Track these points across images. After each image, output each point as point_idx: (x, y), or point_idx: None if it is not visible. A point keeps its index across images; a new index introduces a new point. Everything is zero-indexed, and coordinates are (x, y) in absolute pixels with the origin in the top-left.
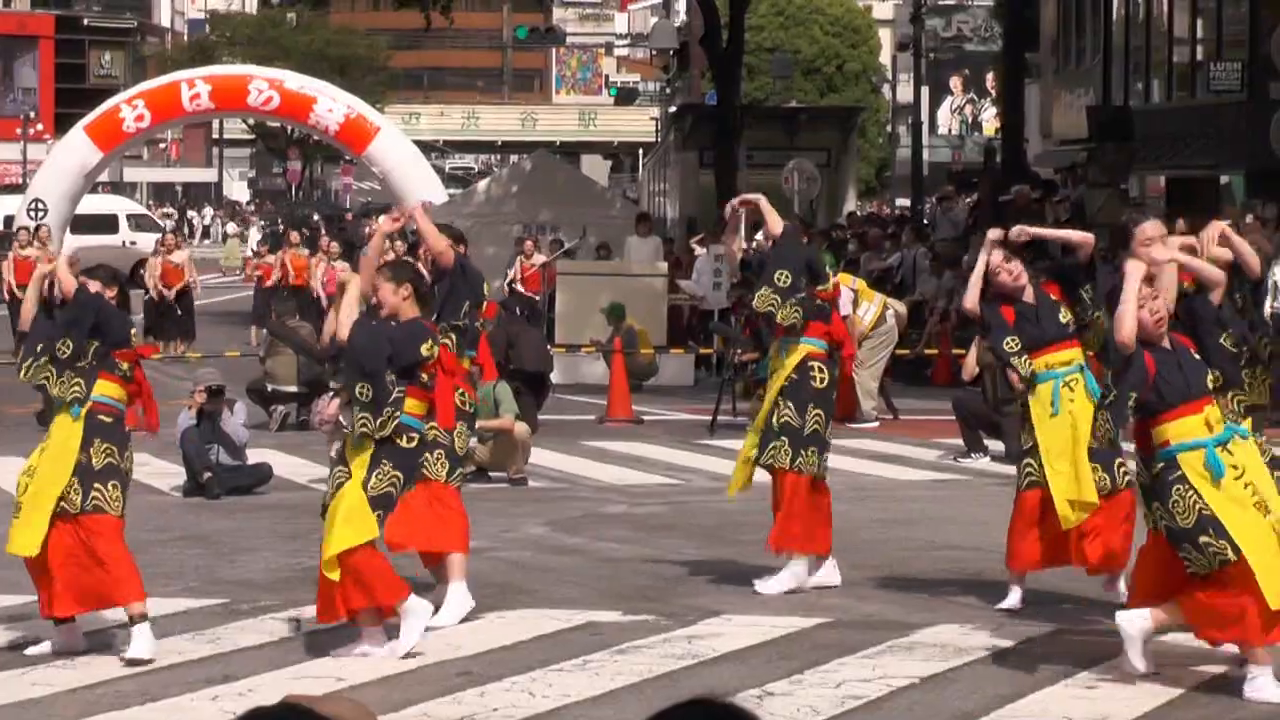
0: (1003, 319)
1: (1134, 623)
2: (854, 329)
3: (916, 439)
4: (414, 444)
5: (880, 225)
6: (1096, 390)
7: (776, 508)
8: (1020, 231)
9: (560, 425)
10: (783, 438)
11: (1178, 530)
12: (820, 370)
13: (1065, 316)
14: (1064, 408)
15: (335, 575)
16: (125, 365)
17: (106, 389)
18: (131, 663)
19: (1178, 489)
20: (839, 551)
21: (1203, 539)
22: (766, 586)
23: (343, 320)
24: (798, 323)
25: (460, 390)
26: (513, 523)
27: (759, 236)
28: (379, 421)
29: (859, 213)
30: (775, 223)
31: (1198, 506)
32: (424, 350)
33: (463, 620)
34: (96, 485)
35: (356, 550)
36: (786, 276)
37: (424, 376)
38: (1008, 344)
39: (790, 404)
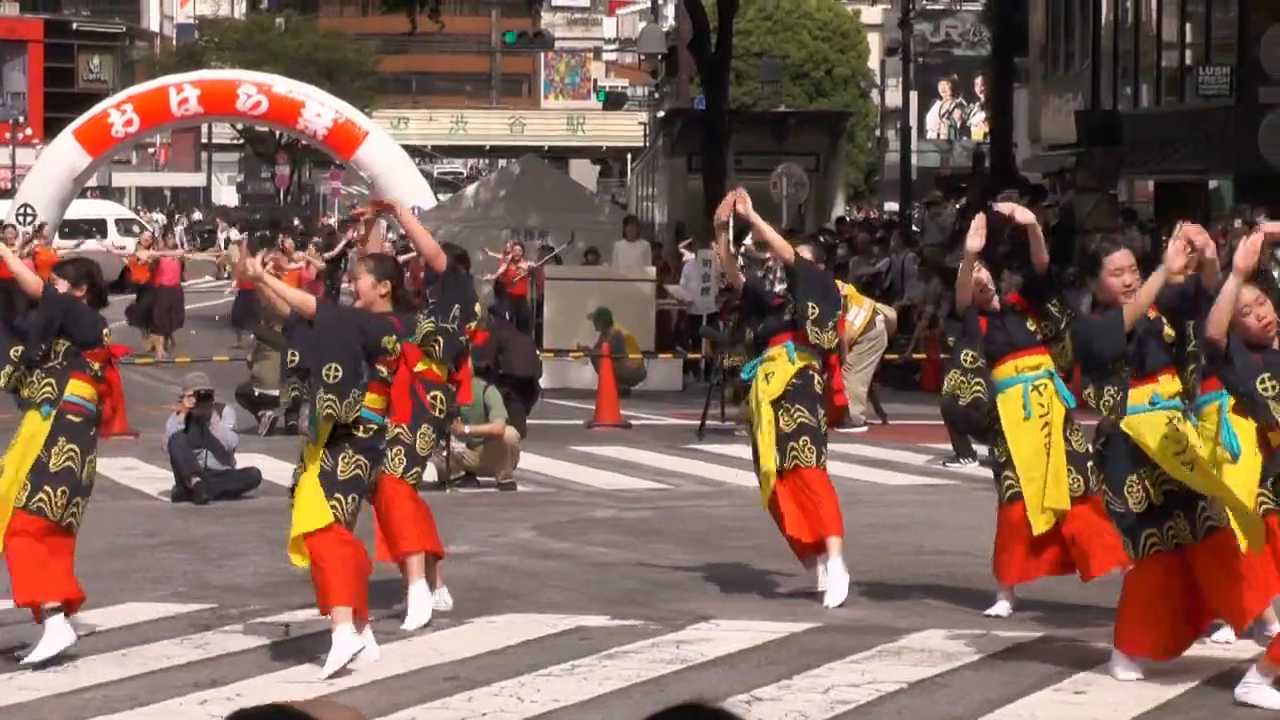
0: (977, 328)
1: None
2: (843, 334)
3: (905, 444)
4: (372, 434)
5: (869, 230)
6: (1069, 396)
7: (801, 507)
8: (1010, 209)
9: (548, 430)
10: (803, 437)
11: None
12: (818, 376)
13: (1031, 325)
14: (1034, 411)
15: (303, 562)
16: (97, 365)
17: (78, 389)
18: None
19: None
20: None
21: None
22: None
23: (298, 300)
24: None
25: (434, 394)
26: (501, 527)
27: (748, 241)
28: (345, 405)
29: (849, 217)
30: (782, 247)
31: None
32: (386, 343)
33: (437, 620)
34: (46, 487)
35: (315, 536)
36: (814, 309)
37: (383, 371)
38: (965, 357)
39: (801, 406)
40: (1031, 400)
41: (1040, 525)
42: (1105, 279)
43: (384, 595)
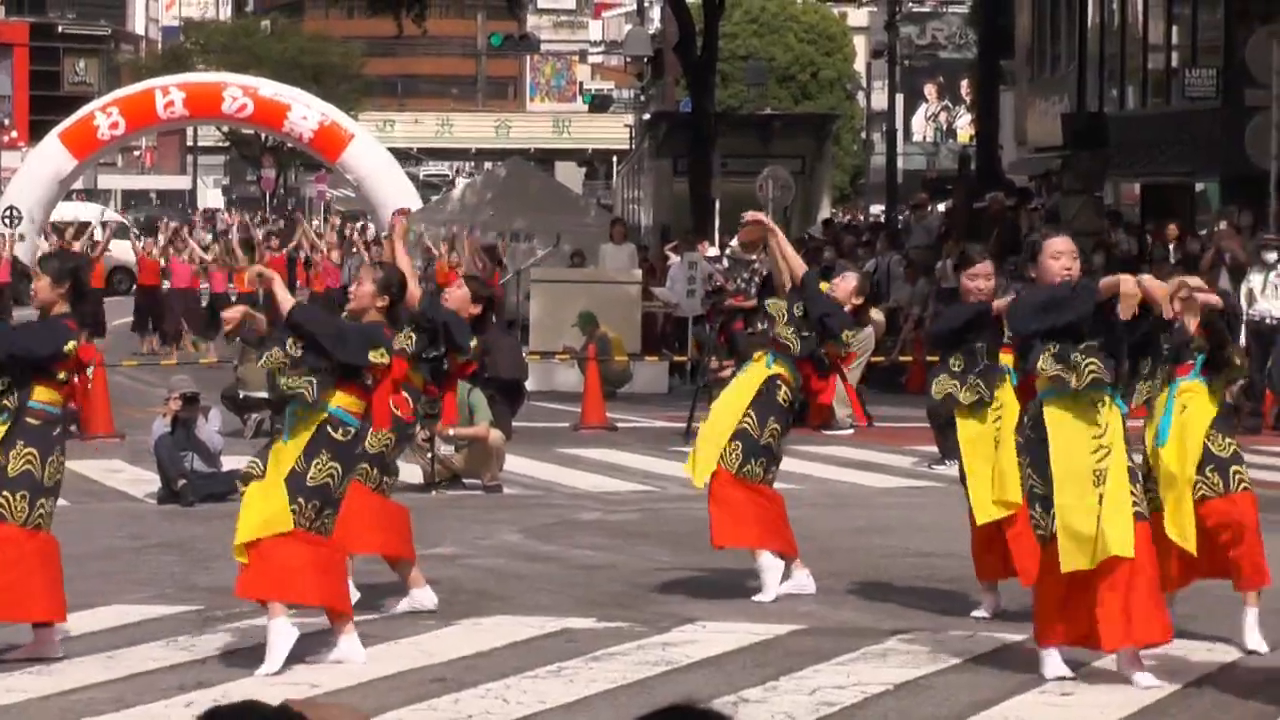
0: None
1: None
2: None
3: (891, 446)
4: (349, 438)
5: (855, 233)
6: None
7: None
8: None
9: (534, 432)
10: (736, 441)
11: None
12: (785, 389)
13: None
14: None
15: (243, 559)
16: (62, 374)
17: (40, 394)
18: None
19: None
20: (814, 558)
21: None
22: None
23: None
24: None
25: (406, 395)
26: (487, 530)
27: (733, 244)
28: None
29: (838, 219)
30: (796, 264)
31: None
32: (373, 355)
33: (424, 621)
34: (4, 492)
35: (265, 540)
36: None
37: (368, 379)
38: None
39: (751, 412)
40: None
41: (982, 517)
42: (1045, 261)
43: (368, 596)
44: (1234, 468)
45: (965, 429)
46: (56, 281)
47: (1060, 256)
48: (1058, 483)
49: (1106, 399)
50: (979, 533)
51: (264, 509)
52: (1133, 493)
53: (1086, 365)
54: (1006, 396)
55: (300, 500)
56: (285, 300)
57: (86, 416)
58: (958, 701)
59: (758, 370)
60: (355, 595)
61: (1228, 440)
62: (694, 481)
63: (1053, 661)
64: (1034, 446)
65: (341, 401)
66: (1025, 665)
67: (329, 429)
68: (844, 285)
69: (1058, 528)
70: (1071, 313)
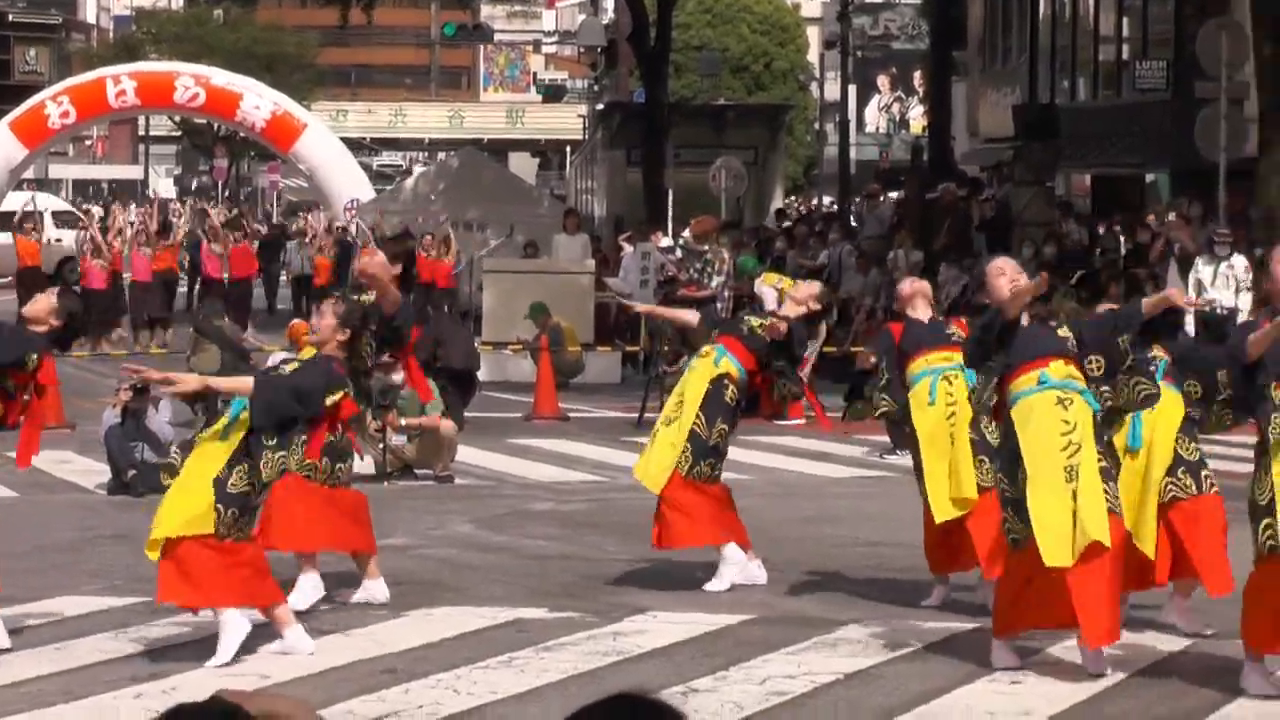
0: (890, 342)
1: None
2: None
3: (842, 436)
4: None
5: (808, 223)
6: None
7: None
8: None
9: (487, 423)
10: (686, 443)
11: None
12: (733, 388)
13: (951, 329)
14: (941, 399)
15: (155, 556)
16: (11, 384)
17: None
18: None
19: None
20: (763, 548)
21: None
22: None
23: (232, 386)
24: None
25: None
26: (439, 520)
27: (685, 234)
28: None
29: (795, 209)
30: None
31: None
32: (329, 400)
33: (375, 612)
34: None
35: (185, 540)
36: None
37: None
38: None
39: (701, 414)
40: (939, 389)
41: (940, 515)
42: (991, 282)
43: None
44: (1204, 471)
45: (922, 424)
46: (56, 314)
47: (1002, 272)
48: (1031, 482)
49: (1075, 397)
50: (932, 527)
51: (187, 507)
52: (1106, 488)
53: (1135, 385)
54: (960, 394)
55: (220, 506)
56: (240, 392)
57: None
58: (908, 690)
59: (705, 367)
60: (320, 590)
61: (1194, 445)
62: (649, 488)
63: (1003, 653)
64: (1004, 451)
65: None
66: (974, 654)
67: (263, 438)
68: (807, 288)
69: (1036, 528)
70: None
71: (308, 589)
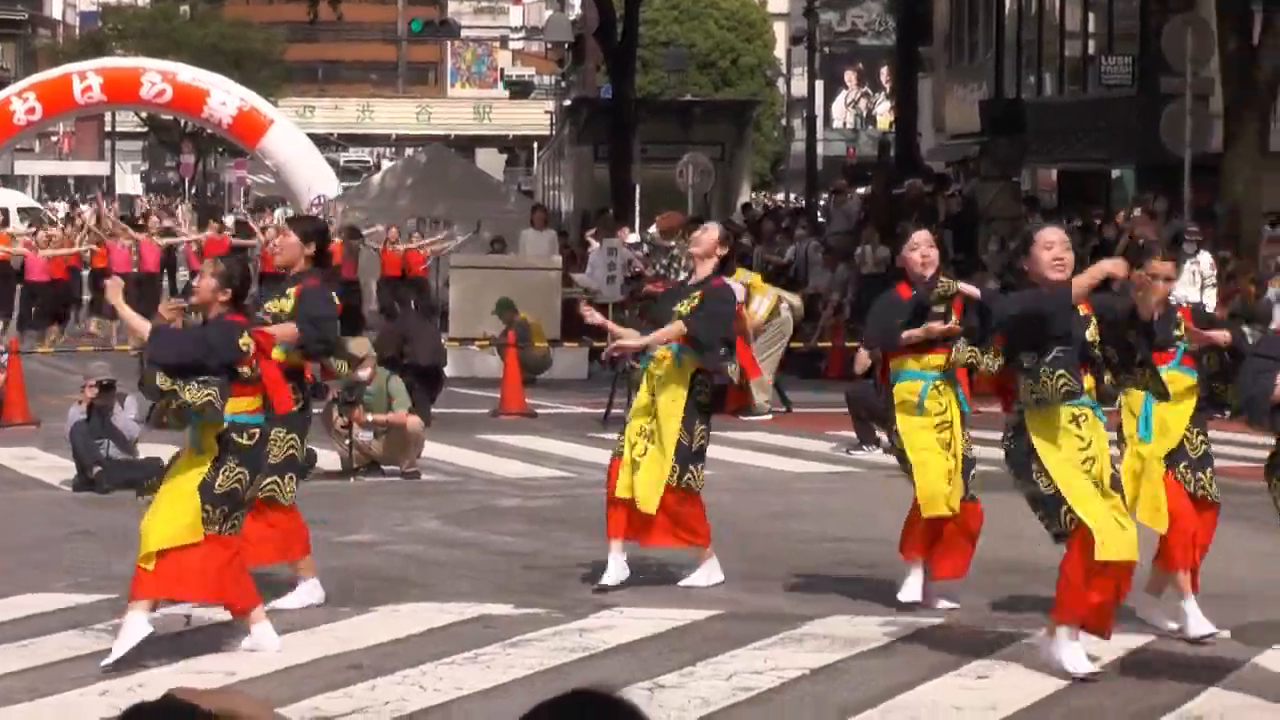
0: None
1: None
2: (747, 324)
3: (809, 431)
4: (255, 440)
5: (774, 219)
6: (965, 405)
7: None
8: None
9: (454, 419)
10: (673, 457)
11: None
12: (705, 390)
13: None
14: (931, 409)
15: (150, 566)
16: None
17: None
18: None
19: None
20: (730, 544)
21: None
22: (696, 579)
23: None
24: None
25: (291, 386)
26: (406, 516)
27: (652, 230)
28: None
29: (764, 204)
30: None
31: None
32: (242, 344)
33: (341, 609)
34: None
35: (173, 550)
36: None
37: (246, 371)
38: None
39: (684, 427)
40: (930, 397)
41: (930, 509)
42: (1036, 253)
43: (271, 586)
44: (1202, 472)
45: (909, 428)
46: None
47: (1052, 247)
48: (1064, 486)
49: (1088, 412)
50: (914, 511)
51: (175, 519)
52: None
53: (1058, 378)
54: (949, 402)
55: (209, 507)
56: (140, 329)
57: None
58: (874, 685)
59: (673, 374)
60: (320, 593)
61: (1202, 440)
62: (643, 509)
63: (1073, 651)
64: (1019, 456)
65: (236, 406)
66: (941, 649)
67: (234, 436)
68: (707, 237)
69: (1093, 525)
70: (1054, 327)
71: (303, 593)
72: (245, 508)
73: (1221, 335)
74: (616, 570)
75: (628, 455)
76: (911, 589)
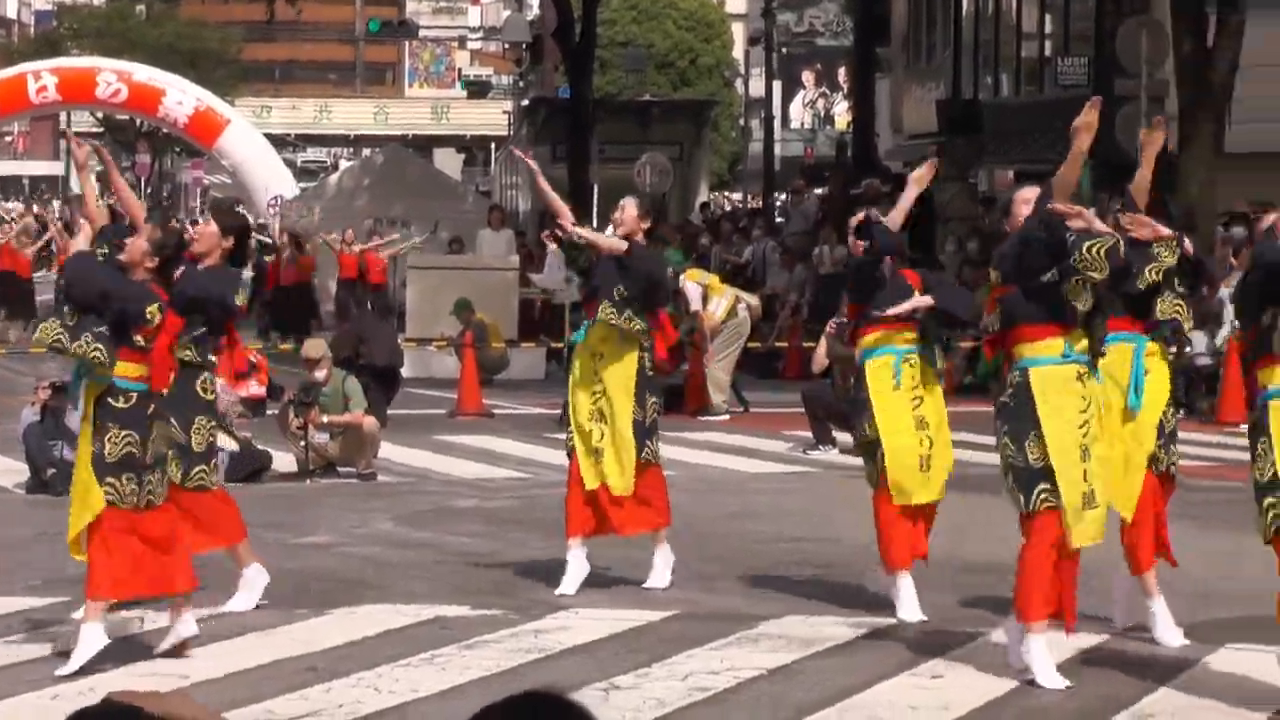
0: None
1: None
2: (705, 324)
3: (766, 431)
4: (133, 403)
5: (732, 219)
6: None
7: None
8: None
9: (410, 419)
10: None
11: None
12: (647, 358)
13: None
14: (906, 384)
15: (79, 556)
16: None
17: None
18: None
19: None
20: (687, 544)
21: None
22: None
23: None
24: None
25: (203, 378)
26: (362, 518)
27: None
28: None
29: (723, 205)
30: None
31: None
32: (148, 312)
33: (298, 610)
34: None
35: (93, 526)
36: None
37: (140, 339)
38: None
39: (634, 401)
40: (904, 373)
41: (900, 498)
42: (1016, 209)
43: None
44: (1174, 446)
45: (886, 406)
46: None
47: (1030, 202)
48: (1056, 461)
49: (1087, 371)
50: (891, 518)
51: (82, 498)
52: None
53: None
54: (921, 378)
55: (110, 480)
56: (72, 245)
57: None
58: (830, 685)
59: (616, 348)
60: (264, 576)
61: (1174, 415)
62: (617, 492)
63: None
64: (1015, 415)
65: (119, 370)
66: (897, 649)
67: (110, 400)
68: (627, 215)
69: (1068, 508)
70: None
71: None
72: (154, 472)
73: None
74: (577, 571)
75: (583, 446)
76: (910, 605)
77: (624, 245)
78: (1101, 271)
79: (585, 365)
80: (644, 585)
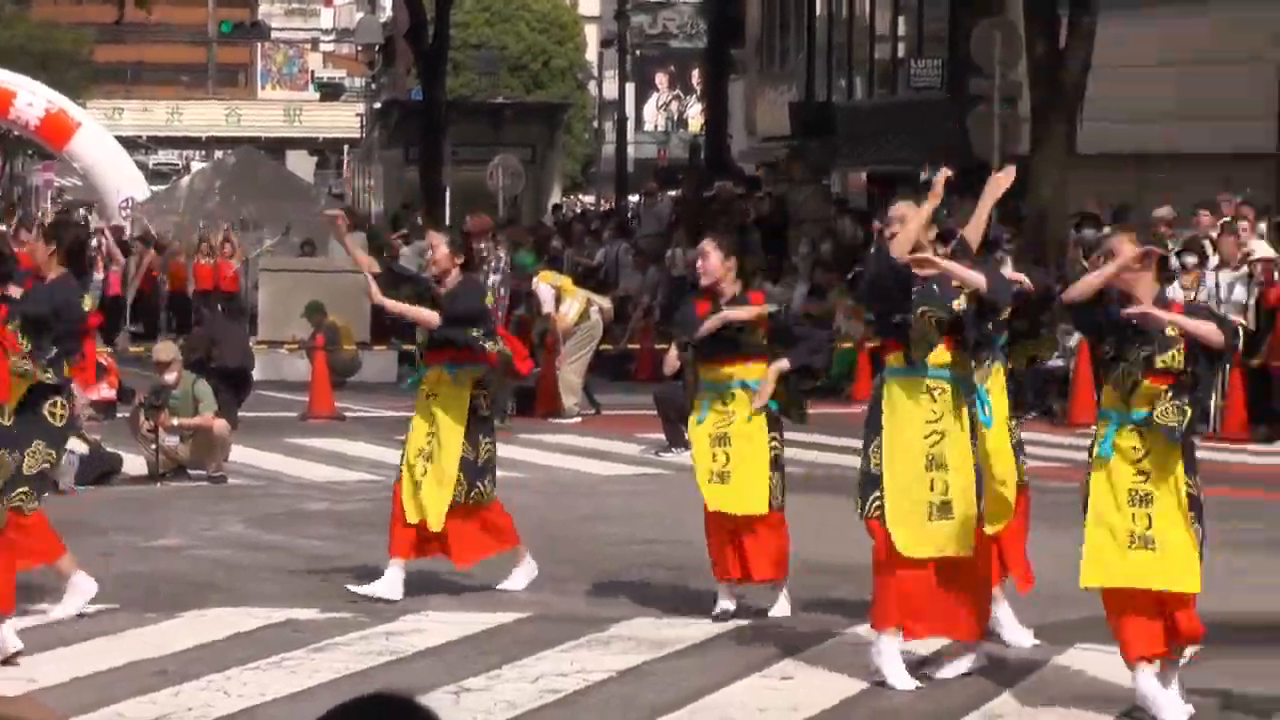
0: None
1: None
2: (557, 326)
3: (618, 434)
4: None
5: (584, 221)
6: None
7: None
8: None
9: (261, 422)
10: (460, 474)
11: None
12: (482, 395)
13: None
14: (711, 418)
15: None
16: None
17: None
18: None
19: None
20: (539, 547)
21: None
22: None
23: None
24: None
25: (52, 401)
26: (213, 520)
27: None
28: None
29: (575, 207)
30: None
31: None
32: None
33: (147, 614)
34: None
35: None
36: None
37: None
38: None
39: (466, 441)
40: (711, 410)
41: (713, 505)
42: (889, 230)
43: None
44: (1023, 455)
45: (697, 435)
46: None
47: (891, 223)
48: (888, 471)
49: (946, 386)
50: (708, 527)
51: None
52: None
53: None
54: (738, 408)
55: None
56: None
57: None
58: (680, 687)
59: (450, 390)
60: (92, 583)
61: (1017, 426)
62: (430, 527)
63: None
64: (869, 421)
65: None
66: (748, 650)
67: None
68: (438, 253)
69: (890, 517)
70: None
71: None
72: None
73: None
74: (392, 583)
75: (408, 478)
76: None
77: (432, 320)
78: (934, 335)
79: (421, 405)
80: (498, 586)
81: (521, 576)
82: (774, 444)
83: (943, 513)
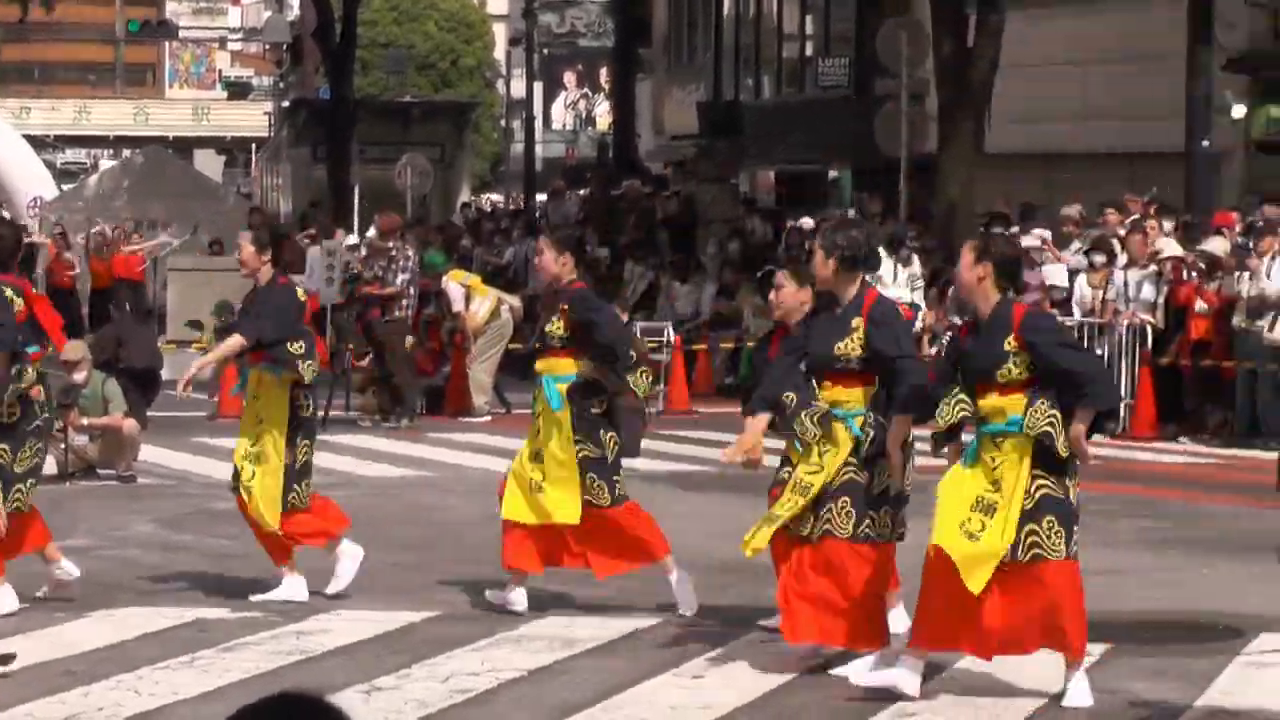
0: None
1: None
2: (467, 325)
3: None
4: None
5: (492, 220)
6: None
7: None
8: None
9: (170, 422)
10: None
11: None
12: (303, 396)
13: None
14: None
15: None
16: None
17: None
18: None
19: None
20: (450, 544)
21: None
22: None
23: None
24: None
25: None
26: (122, 520)
27: (370, 231)
28: None
29: (484, 206)
30: None
31: None
32: None
33: (55, 614)
34: None
35: None
36: None
37: None
38: None
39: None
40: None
41: (556, 517)
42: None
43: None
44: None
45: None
46: None
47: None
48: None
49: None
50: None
51: None
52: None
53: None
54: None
55: None
56: None
57: None
58: (592, 685)
59: (272, 390)
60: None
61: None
62: (266, 527)
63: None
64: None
65: None
66: (658, 649)
67: None
68: (244, 252)
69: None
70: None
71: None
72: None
73: None
74: (295, 586)
75: (244, 483)
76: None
77: (237, 342)
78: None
79: (248, 407)
80: (326, 591)
81: (342, 578)
82: (582, 449)
83: (768, 519)
